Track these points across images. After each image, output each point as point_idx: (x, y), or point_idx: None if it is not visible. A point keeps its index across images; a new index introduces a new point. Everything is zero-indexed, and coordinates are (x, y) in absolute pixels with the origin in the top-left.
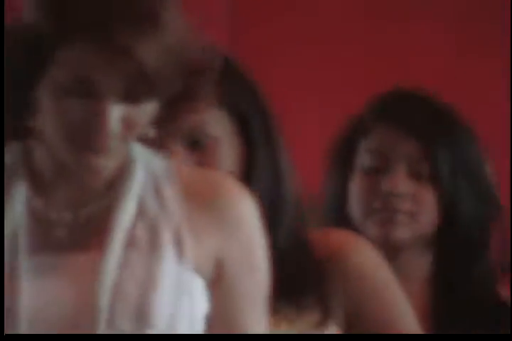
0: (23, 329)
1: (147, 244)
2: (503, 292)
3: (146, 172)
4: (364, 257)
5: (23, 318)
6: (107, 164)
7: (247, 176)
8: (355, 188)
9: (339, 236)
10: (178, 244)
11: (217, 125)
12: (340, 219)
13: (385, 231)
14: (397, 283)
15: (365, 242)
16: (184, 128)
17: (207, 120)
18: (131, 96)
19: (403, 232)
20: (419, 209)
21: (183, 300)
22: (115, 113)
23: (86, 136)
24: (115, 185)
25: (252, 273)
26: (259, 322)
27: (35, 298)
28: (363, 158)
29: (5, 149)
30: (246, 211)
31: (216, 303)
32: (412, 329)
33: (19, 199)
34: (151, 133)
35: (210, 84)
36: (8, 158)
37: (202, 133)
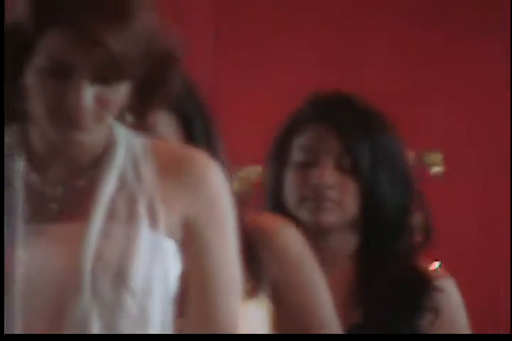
0: (18, 294)
1: (125, 214)
2: (424, 266)
3: (127, 150)
4: (288, 241)
5: (19, 283)
6: (88, 139)
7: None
8: (289, 180)
9: (267, 220)
10: (152, 214)
11: (165, 126)
12: (277, 206)
13: (315, 216)
14: (317, 266)
15: (290, 227)
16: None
17: (158, 121)
18: (101, 77)
19: (331, 217)
20: (343, 198)
21: (157, 262)
22: (89, 92)
23: (65, 114)
24: (100, 162)
25: (220, 234)
26: (233, 280)
27: (28, 264)
28: (296, 154)
29: (5, 131)
30: (213, 179)
31: (189, 263)
32: (326, 313)
33: (18, 175)
34: (130, 118)
35: (175, 72)
36: (7, 139)
37: (153, 133)
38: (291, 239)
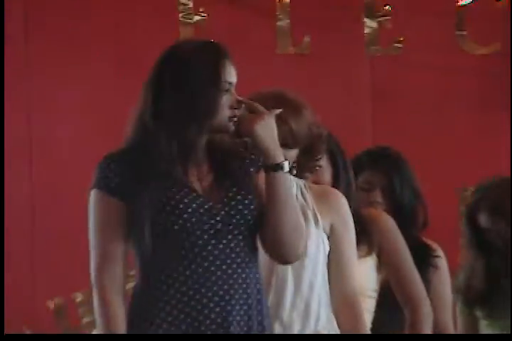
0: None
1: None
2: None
3: (296, 184)
4: (386, 223)
5: None
6: None
7: (336, 185)
8: None
9: (373, 211)
10: (315, 219)
11: (323, 160)
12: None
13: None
14: (403, 240)
15: (387, 215)
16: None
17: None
18: (285, 144)
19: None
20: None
21: (320, 246)
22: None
23: None
24: None
25: (347, 232)
26: (353, 257)
27: None
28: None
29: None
30: (343, 203)
31: (332, 247)
32: (410, 266)
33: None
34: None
35: (323, 143)
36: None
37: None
38: (388, 222)
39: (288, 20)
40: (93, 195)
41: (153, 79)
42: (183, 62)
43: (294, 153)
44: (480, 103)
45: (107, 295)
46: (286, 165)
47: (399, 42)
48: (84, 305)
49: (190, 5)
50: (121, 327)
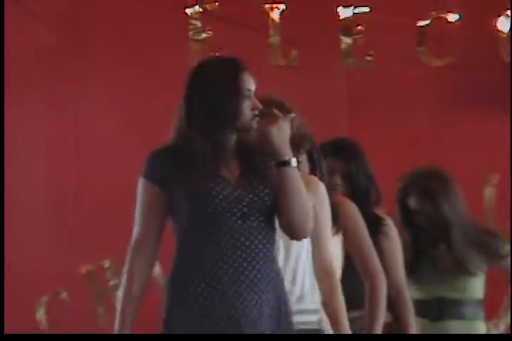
0: None
1: None
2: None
3: None
4: (350, 208)
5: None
6: None
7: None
8: None
9: (340, 198)
10: None
11: (303, 156)
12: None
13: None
14: (363, 222)
15: (351, 201)
16: None
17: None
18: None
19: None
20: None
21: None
22: None
23: None
24: None
25: (323, 211)
26: (330, 234)
27: None
28: None
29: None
30: (322, 189)
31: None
32: (368, 243)
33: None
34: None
35: (306, 142)
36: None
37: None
38: (351, 207)
39: (279, 37)
40: (140, 182)
41: (186, 92)
42: (208, 75)
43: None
44: (438, 107)
45: (135, 266)
46: (294, 162)
47: (369, 55)
48: (110, 270)
49: (199, 25)
50: (137, 293)
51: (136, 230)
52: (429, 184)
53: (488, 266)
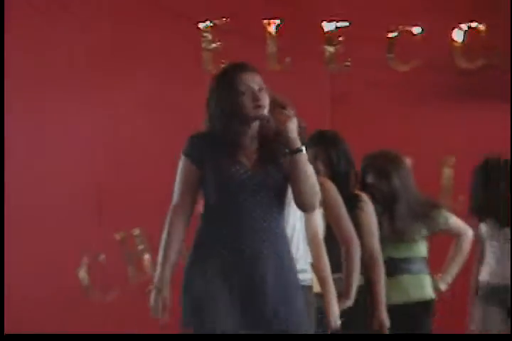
0: None
1: None
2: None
3: None
4: (330, 187)
5: None
6: None
7: None
8: None
9: (324, 180)
10: None
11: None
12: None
13: None
14: (339, 196)
15: (330, 183)
16: None
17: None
18: None
19: None
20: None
21: None
22: None
23: None
24: None
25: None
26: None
27: None
28: None
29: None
30: (331, 187)
31: None
32: (345, 216)
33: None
34: None
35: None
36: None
37: None
38: (331, 187)
39: (275, 47)
40: (181, 159)
41: (208, 92)
42: (217, 79)
43: None
44: (405, 103)
45: (172, 228)
46: (304, 149)
47: (348, 62)
48: (139, 237)
49: (210, 37)
50: (175, 248)
51: (175, 198)
52: (383, 163)
53: (430, 233)
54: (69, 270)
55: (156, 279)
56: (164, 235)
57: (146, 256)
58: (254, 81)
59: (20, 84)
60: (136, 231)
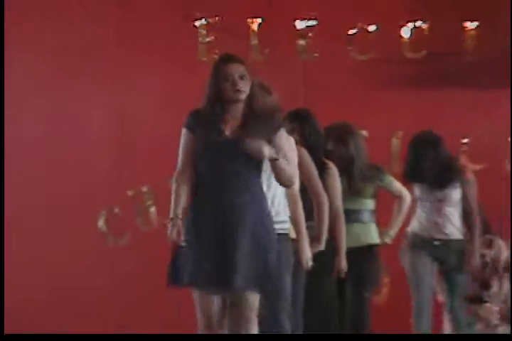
0: None
1: None
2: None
3: None
4: (303, 153)
5: None
6: None
7: None
8: None
9: (299, 147)
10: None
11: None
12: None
13: None
14: (310, 160)
15: (304, 149)
16: None
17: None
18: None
19: None
20: None
21: None
22: None
23: None
24: None
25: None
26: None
27: None
28: None
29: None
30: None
31: None
32: (316, 176)
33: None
34: None
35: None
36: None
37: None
38: (304, 153)
39: (257, 41)
40: (182, 132)
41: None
42: (211, 68)
43: None
44: (363, 87)
45: (178, 187)
46: (277, 155)
47: (317, 53)
48: (147, 193)
49: (204, 32)
50: (180, 205)
51: (179, 164)
52: (341, 133)
53: (376, 190)
54: (89, 221)
55: (170, 215)
56: (172, 191)
57: (152, 209)
58: (237, 70)
59: (34, 76)
60: (145, 189)
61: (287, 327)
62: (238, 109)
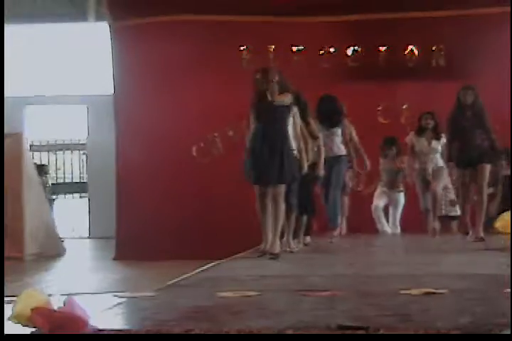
0: None
1: None
2: None
3: None
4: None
5: None
6: None
7: None
8: None
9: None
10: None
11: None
12: None
13: None
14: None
15: (298, 113)
16: None
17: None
18: None
19: None
20: None
21: None
22: None
23: None
24: None
25: None
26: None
27: None
28: None
29: None
30: None
31: None
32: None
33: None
34: None
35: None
36: None
37: None
38: (298, 117)
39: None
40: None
41: None
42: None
43: None
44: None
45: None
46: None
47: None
48: (235, 137)
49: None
50: (251, 146)
51: (251, 121)
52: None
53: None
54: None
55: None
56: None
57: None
58: (270, 74)
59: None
60: (230, 132)
61: (294, 201)
62: (272, 92)
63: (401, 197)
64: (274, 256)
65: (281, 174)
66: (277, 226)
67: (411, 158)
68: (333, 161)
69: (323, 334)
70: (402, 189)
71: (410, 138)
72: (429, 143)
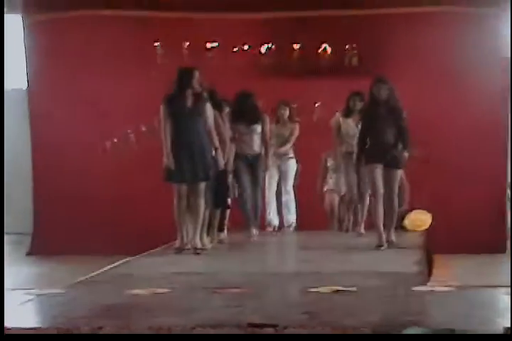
0: None
1: None
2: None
3: None
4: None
5: None
6: None
7: None
8: None
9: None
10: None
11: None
12: None
13: None
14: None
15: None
16: None
17: None
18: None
19: None
20: None
21: None
22: None
23: None
24: None
25: None
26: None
27: None
28: None
29: None
30: None
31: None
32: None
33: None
34: None
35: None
36: None
37: None
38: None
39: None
40: (161, 106)
41: None
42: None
43: None
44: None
45: (167, 136)
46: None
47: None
48: (148, 133)
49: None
50: (168, 140)
51: (162, 129)
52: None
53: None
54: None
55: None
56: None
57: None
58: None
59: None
60: (143, 128)
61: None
62: (189, 94)
63: (292, 164)
64: (199, 251)
65: (198, 171)
66: (197, 222)
67: (337, 141)
68: (251, 159)
69: (234, 334)
70: (292, 155)
71: (336, 119)
72: (357, 125)
